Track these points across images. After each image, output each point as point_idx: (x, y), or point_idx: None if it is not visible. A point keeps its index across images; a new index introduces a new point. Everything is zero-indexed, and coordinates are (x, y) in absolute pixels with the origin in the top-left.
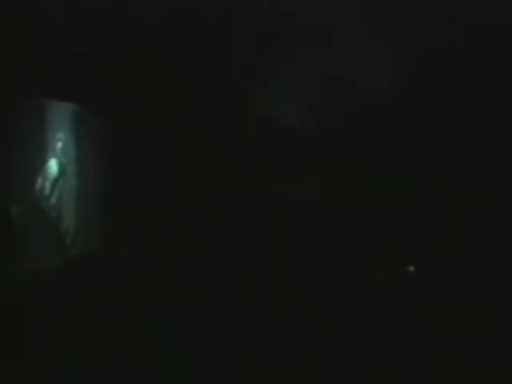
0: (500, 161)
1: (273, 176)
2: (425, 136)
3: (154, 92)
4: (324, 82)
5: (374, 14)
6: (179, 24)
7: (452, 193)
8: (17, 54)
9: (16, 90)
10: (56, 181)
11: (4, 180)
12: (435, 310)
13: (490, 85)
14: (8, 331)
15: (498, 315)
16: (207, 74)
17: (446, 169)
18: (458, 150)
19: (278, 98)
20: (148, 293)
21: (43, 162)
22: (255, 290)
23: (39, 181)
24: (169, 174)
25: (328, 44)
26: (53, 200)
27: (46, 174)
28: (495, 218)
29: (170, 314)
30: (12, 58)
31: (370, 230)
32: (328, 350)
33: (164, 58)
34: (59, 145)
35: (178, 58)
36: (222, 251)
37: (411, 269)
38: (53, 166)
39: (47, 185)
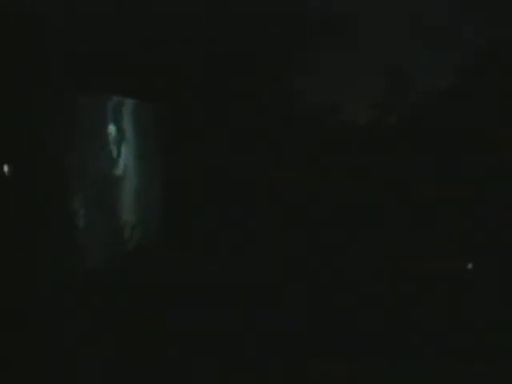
0: None
1: (335, 173)
2: (485, 131)
3: (215, 90)
4: (386, 79)
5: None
6: (239, 22)
7: None
8: (79, 52)
9: (77, 88)
10: (115, 176)
11: (65, 176)
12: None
13: None
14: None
15: None
16: (268, 71)
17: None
18: None
19: (339, 94)
20: (201, 285)
21: (103, 159)
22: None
23: (99, 177)
24: (224, 170)
25: (389, 40)
26: (112, 195)
27: (106, 169)
28: None
29: (220, 305)
30: (72, 55)
31: (431, 225)
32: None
33: (223, 54)
34: (119, 141)
35: (238, 55)
36: (274, 244)
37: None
38: (112, 162)
39: (107, 180)
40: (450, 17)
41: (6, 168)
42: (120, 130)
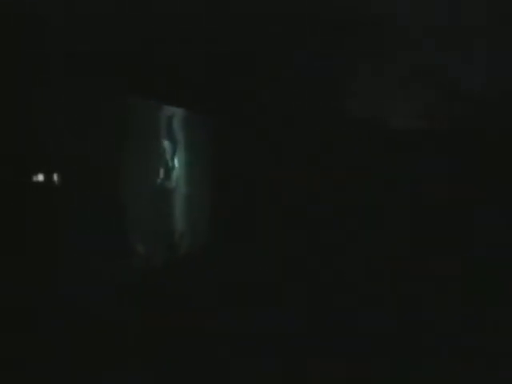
0: None
1: (380, 176)
2: None
3: (262, 99)
4: (433, 83)
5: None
6: (282, 27)
7: None
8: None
9: (129, 96)
10: (166, 185)
11: (118, 184)
12: None
13: None
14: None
15: None
16: (312, 74)
17: None
18: None
19: (385, 98)
20: (248, 290)
21: (154, 168)
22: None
23: (150, 185)
24: (271, 177)
25: (435, 44)
26: (162, 203)
27: (156, 178)
28: None
29: (270, 310)
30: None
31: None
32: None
33: (269, 64)
34: (170, 150)
35: (283, 63)
36: (321, 248)
37: None
38: (164, 170)
39: (158, 189)
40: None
41: (56, 177)
42: (172, 140)
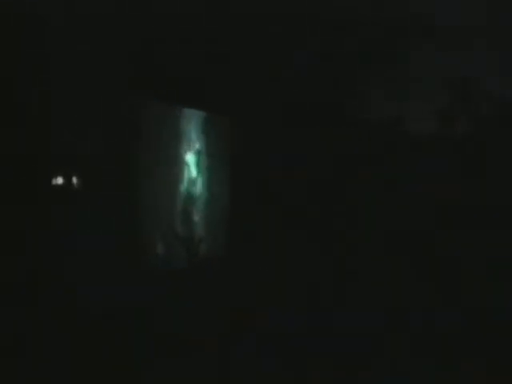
0: None
1: (400, 178)
2: None
3: (285, 102)
4: (451, 84)
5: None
6: (299, 29)
7: None
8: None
9: (150, 99)
10: (185, 191)
11: (136, 189)
12: None
13: None
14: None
15: None
16: (333, 76)
17: None
18: None
19: (404, 100)
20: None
21: (174, 172)
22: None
23: (169, 190)
24: (291, 182)
25: (456, 44)
26: (181, 209)
27: (176, 183)
28: None
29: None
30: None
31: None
32: None
33: (288, 66)
34: (191, 155)
35: (307, 70)
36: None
37: None
38: (184, 175)
39: (177, 195)
40: None
41: (76, 179)
42: (192, 142)
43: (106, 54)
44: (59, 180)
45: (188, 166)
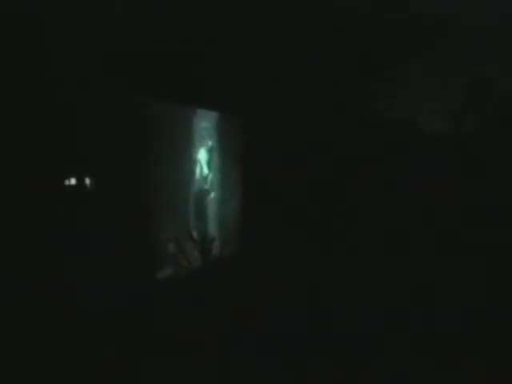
0: None
1: (411, 177)
2: None
3: (297, 102)
4: (465, 83)
5: None
6: (314, 28)
7: None
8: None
9: (162, 101)
10: (198, 189)
11: (149, 188)
12: None
13: None
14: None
15: None
16: (345, 76)
17: None
18: None
19: (417, 99)
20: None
21: (187, 171)
22: None
23: (182, 190)
24: (302, 179)
25: (470, 44)
26: (195, 207)
27: (189, 183)
28: None
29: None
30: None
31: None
32: None
33: (300, 65)
34: (203, 155)
35: (317, 68)
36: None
37: None
38: (197, 174)
39: (189, 194)
40: None
41: (89, 180)
42: (204, 141)
43: (115, 53)
44: (69, 180)
45: (200, 165)
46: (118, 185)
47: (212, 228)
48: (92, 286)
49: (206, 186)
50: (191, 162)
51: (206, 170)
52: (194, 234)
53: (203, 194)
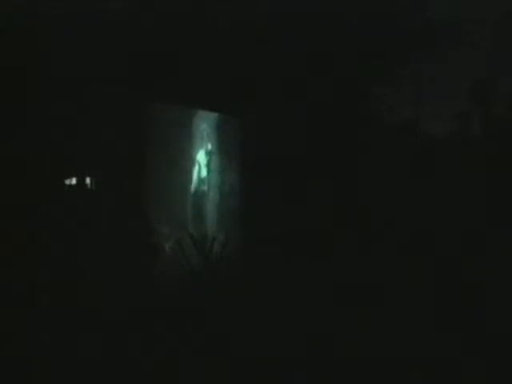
0: None
1: (416, 182)
2: None
3: (299, 102)
4: (469, 86)
5: None
6: (317, 30)
7: None
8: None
9: (162, 102)
10: (198, 190)
11: (149, 190)
12: None
13: None
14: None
15: None
16: (348, 77)
17: None
18: None
19: (420, 102)
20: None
21: (186, 171)
22: None
23: (181, 190)
24: (304, 180)
25: (474, 46)
26: (194, 208)
27: (188, 184)
28: None
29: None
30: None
31: None
32: None
33: (301, 66)
34: (203, 156)
35: (323, 68)
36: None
37: None
38: (196, 175)
39: (189, 194)
40: None
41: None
42: (203, 142)
43: (115, 53)
44: (70, 180)
45: (199, 165)
46: (118, 185)
47: (212, 228)
48: (92, 285)
49: (205, 187)
50: (191, 162)
51: (205, 171)
52: (194, 234)
53: (202, 194)
